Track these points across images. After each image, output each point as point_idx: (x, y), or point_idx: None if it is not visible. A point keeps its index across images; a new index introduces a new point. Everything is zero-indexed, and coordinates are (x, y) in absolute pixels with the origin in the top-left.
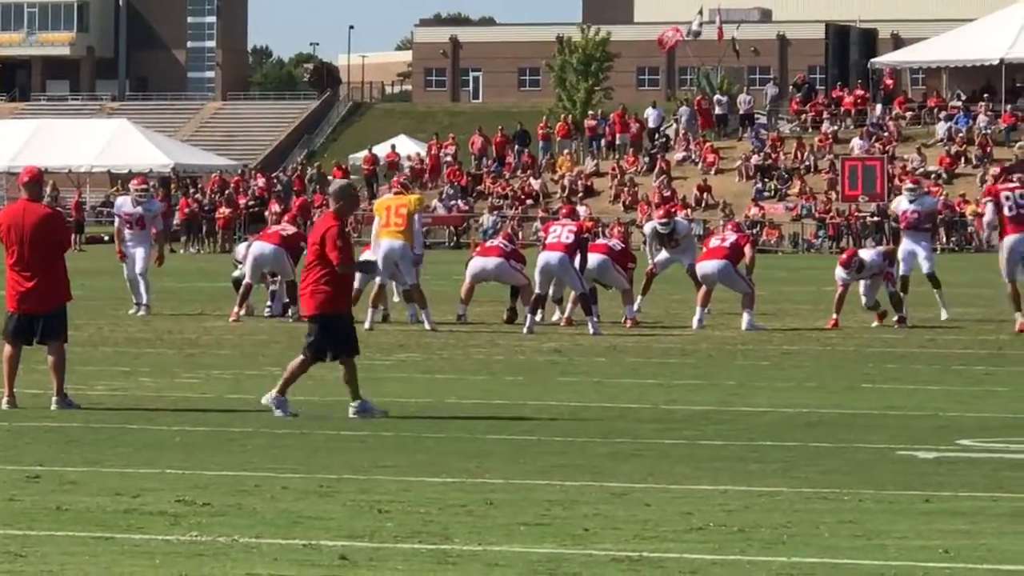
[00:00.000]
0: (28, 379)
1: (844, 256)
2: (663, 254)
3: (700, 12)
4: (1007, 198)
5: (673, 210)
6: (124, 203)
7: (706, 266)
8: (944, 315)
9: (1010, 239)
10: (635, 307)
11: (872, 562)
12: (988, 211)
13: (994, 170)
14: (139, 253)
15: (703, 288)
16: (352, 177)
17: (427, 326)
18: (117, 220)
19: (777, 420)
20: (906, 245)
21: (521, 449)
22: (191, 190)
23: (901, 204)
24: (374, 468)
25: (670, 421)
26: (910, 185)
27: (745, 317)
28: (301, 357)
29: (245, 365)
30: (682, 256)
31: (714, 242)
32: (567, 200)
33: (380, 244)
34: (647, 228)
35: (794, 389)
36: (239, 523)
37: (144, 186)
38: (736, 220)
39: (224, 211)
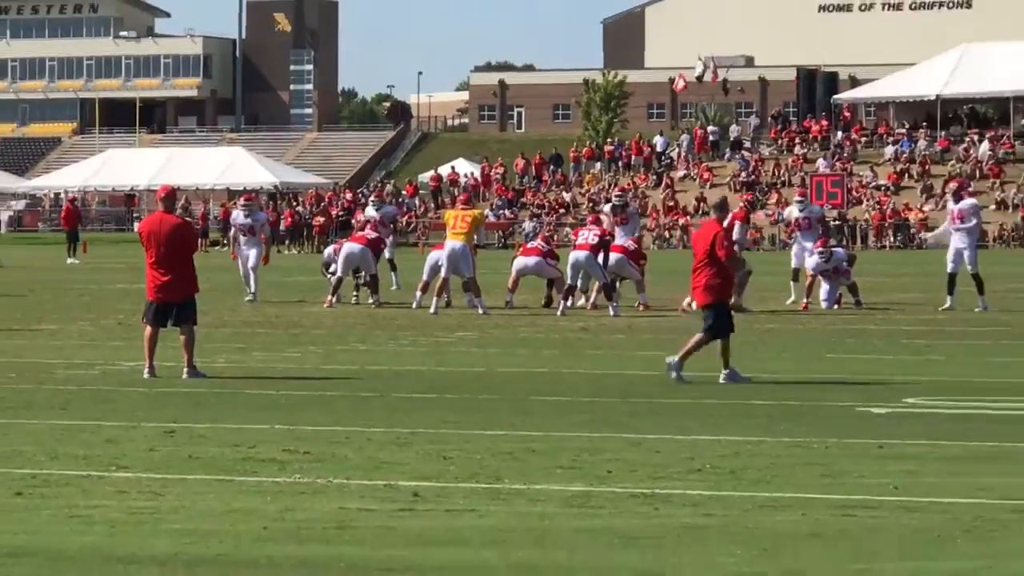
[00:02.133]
0: (164, 355)
1: (819, 242)
2: None
3: (700, 59)
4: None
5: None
6: (237, 216)
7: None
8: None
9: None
10: (646, 295)
11: (836, 496)
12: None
13: (952, 185)
14: (252, 253)
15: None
16: (420, 192)
17: (480, 311)
18: (232, 229)
19: (760, 384)
20: (799, 245)
21: (556, 408)
22: (293, 203)
23: (793, 212)
24: (440, 424)
25: (675, 385)
26: (798, 197)
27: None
28: (700, 335)
29: (336, 342)
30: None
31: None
32: (592, 210)
33: (447, 244)
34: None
35: (773, 359)
36: (333, 468)
37: (250, 201)
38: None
39: (319, 219)
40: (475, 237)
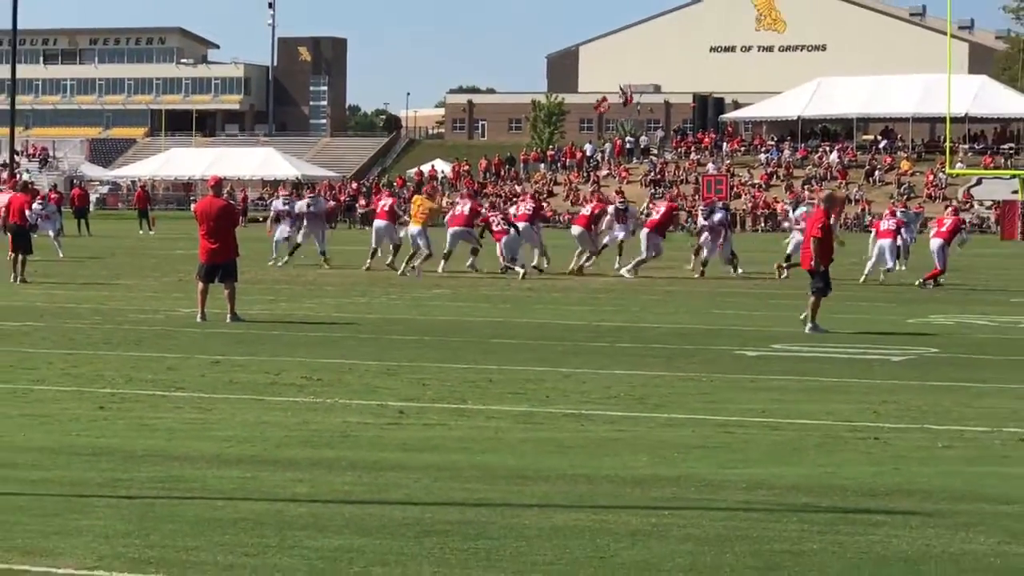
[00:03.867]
0: (213, 304)
1: (705, 202)
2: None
3: (620, 86)
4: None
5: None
6: (276, 203)
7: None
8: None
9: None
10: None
11: (718, 417)
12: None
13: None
14: (281, 229)
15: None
16: (407, 183)
17: (417, 276)
18: (272, 212)
19: (662, 332)
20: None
21: (509, 348)
22: (312, 190)
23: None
24: (420, 359)
25: (599, 332)
26: (809, 199)
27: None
28: (813, 297)
29: (342, 296)
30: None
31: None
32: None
33: (410, 226)
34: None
35: (672, 313)
36: (339, 391)
37: (287, 192)
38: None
39: (330, 203)
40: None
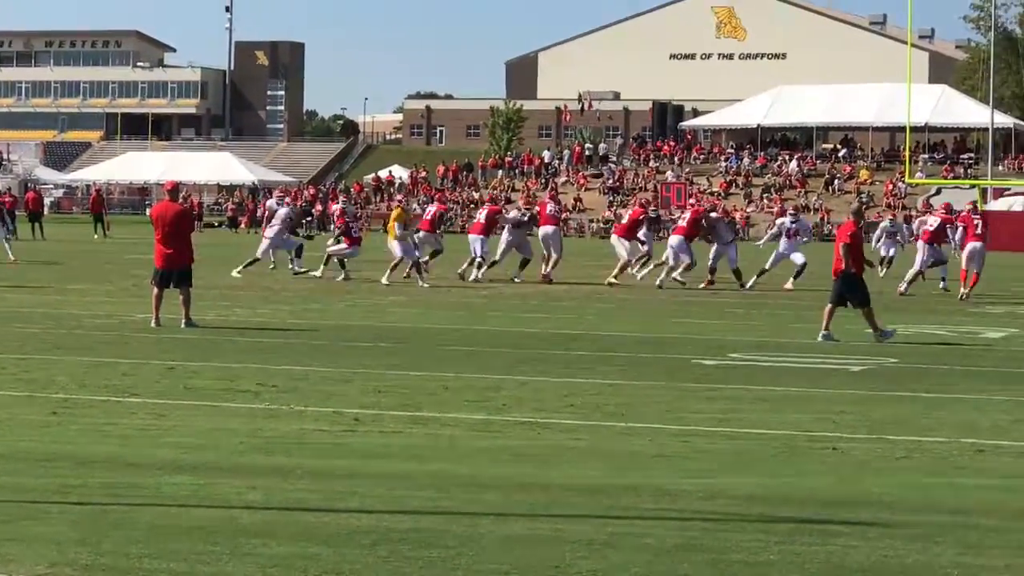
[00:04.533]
0: (167, 310)
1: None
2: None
3: (579, 93)
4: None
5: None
6: (271, 203)
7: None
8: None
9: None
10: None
11: (676, 427)
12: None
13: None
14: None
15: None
16: (365, 189)
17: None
18: (267, 212)
19: (620, 340)
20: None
21: (465, 356)
22: (268, 195)
23: (785, 223)
24: (376, 366)
25: (556, 339)
26: (792, 212)
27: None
28: (829, 305)
29: (299, 303)
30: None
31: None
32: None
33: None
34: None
35: (629, 321)
36: (294, 398)
37: (282, 194)
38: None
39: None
40: (399, 228)
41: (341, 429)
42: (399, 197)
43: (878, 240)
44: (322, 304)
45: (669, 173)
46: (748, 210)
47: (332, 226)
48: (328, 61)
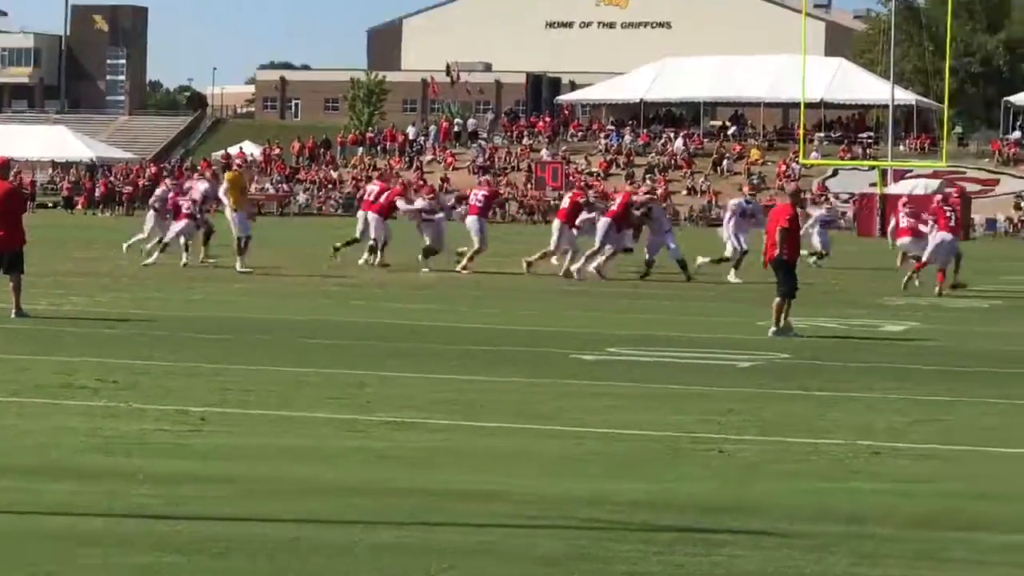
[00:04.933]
0: None
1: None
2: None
3: (447, 65)
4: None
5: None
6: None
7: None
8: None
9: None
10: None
11: (553, 427)
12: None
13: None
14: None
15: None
16: (213, 167)
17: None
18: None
19: (492, 333)
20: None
21: (325, 348)
22: (107, 174)
23: (740, 204)
24: (224, 360)
25: (422, 332)
26: (749, 192)
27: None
28: (778, 299)
29: (139, 291)
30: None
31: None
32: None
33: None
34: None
35: (503, 312)
36: (135, 395)
37: (201, 171)
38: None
39: (128, 188)
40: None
41: (186, 429)
42: (238, 162)
43: (811, 228)
44: (164, 292)
45: (544, 151)
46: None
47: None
48: (173, 27)
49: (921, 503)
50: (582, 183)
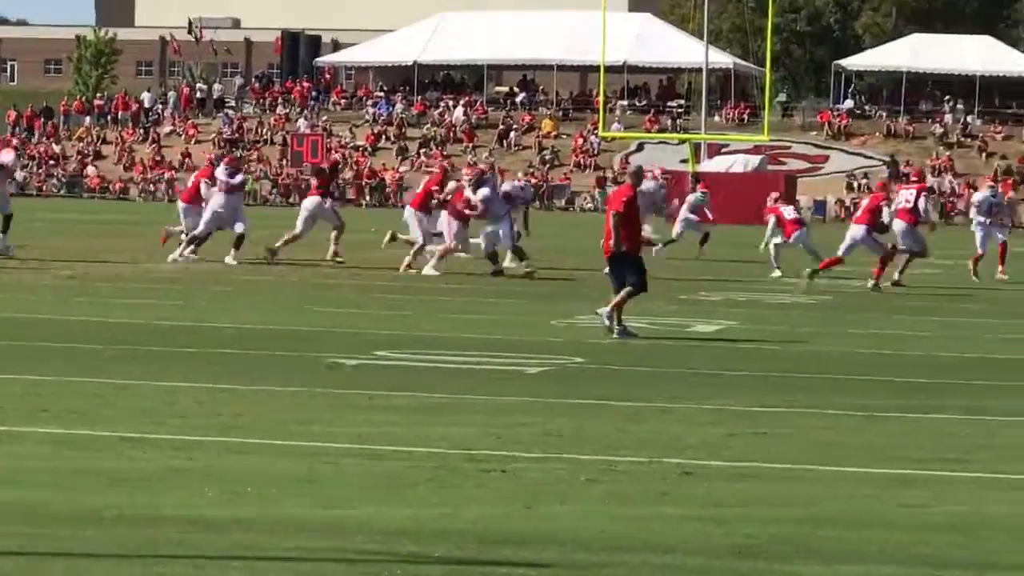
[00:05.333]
0: None
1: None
2: None
3: (189, 22)
4: None
5: None
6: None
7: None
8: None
9: None
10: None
11: (306, 443)
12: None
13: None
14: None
15: None
16: None
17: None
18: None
19: (240, 334)
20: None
21: (47, 352)
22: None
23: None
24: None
25: (160, 332)
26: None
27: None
28: (623, 292)
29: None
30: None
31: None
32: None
33: None
34: None
35: (252, 310)
36: None
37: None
38: None
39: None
40: None
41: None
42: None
43: (687, 214)
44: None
45: (301, 122)
46: (402, 170)
47: None
48: None
49: (739, 530)
50: (443, 165)
